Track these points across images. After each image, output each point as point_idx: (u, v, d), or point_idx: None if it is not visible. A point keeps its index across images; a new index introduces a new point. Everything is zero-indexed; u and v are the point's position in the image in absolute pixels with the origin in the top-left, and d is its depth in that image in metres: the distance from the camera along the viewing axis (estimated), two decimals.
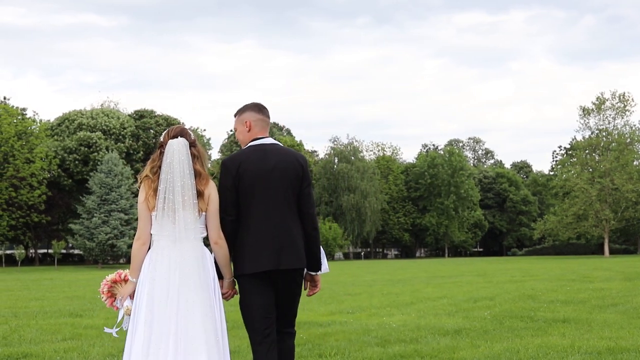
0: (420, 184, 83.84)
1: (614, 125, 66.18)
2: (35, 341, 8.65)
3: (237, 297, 4.56)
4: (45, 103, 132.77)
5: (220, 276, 4.37)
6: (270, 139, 4.54)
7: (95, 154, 56.19)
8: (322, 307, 12.65)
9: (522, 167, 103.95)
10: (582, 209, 64.55)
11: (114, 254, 51.51)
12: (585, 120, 67.10)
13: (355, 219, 76.86)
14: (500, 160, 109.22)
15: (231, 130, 74.11)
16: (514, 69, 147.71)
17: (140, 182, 4.30)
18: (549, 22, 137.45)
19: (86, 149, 56.91)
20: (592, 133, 66.96)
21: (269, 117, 4.61)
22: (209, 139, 73.01)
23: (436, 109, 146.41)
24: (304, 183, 4.46)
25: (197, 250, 4.22)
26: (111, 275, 4.38)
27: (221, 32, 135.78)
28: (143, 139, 60.73)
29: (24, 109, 56.31)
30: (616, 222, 65.13)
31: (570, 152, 71.63)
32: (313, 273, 4.62)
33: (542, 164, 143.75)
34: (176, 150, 4.22)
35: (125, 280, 4.32)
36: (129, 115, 63.29)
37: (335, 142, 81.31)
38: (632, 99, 66.02)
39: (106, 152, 55.00)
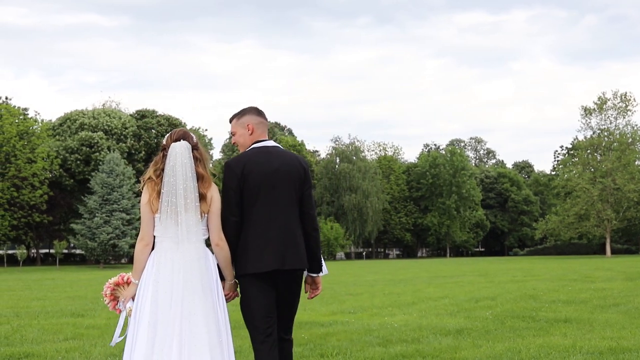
0: (421, 184, 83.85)
1: (615, 125, 66.15)
2: (37, 341, 8.66)
3: (238, 297, 4.57)
4: (46, 103, 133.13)
5: (221, 277, 4.38)
6: (272, 141, 4.58)
7: (97, 153, 56.22)
8: (324, 307, 12.65)
9: (524, 167, 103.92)
10: (583, 209, 64.51)
11: (116, 254, 51.54)
12: (586, 120, 67.12)
13: (356, 219, 76.88)
14: (502, 160, 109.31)
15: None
16: (516, 69, 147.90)
17: (144, 184, 4.32)
18: (550, 22, 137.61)
19: (88, 148, 56.95)
20: (593, 133, 66.94)
21: (267, 120, 4.67)
22: (211, 139, 73.05)
23: (438, 109, 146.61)
24: (306, 185, 4.53)
25: (200, 252, 4.23)
26: (114, 278, 4.38)
27: (222, 32, 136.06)
28: (144, 138, 60.76)
29: (25, 109, 56.36)
30: (618, 222, 65.10)
31: (571, 152, 71.65)
32: (314, 275, 4.65)
33: (543, 164, 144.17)
34: (178, 154, 4.24)
35: (128, 283, 4.33)
36: (130, 115, 63.32)
37: (337, 142, 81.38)
38: (634, 99, 66.04)
39: (108, 152, 55.01)
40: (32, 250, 63.74)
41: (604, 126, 66.41)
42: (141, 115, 62.93)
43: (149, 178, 4.30)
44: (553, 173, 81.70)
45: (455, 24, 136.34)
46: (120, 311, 4.33)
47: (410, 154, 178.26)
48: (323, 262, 4.70)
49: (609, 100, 66.11)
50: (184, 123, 63.31)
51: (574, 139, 71.25)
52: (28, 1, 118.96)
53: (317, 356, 7.24)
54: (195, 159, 4.29)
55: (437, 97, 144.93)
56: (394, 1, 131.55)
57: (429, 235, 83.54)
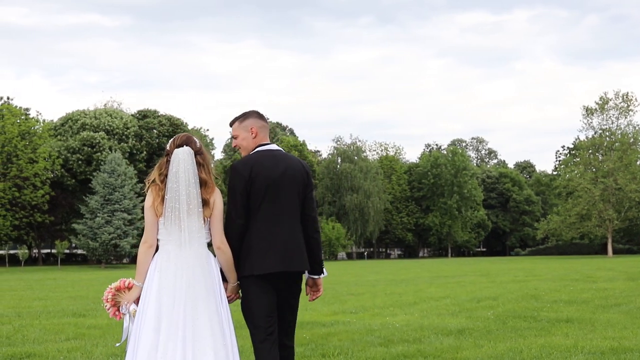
0: (423, 183, 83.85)
1: (617, 125, 66.13)
2: (38, 341, 8.67)
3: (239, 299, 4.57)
4: (48, 103, 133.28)
5: (224, 280, 4.39)
6: (275, 145, 4.63)
7: (99, 154, 56.24)
8: (325, 307, 12.66)
9: (525, 167, 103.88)
10: (585, 209, 64.49)
11: (117, 254, 51.56)
12: (588, 120, 67.08)
13: (358, 219, 76.89)
14: (504, 160, 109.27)
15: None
16: (517, 69, 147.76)
17: (148, 186, 4.32)
18: (552, 22, 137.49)
19: (89, 149, 56.97)
20: (595, 133, 66.91)
21: (268, 124, 4.72)
22: (212, 139, 73.17)
23: (439, 109, 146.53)
24: (308, 188, 4.59)
25: (202, 255, 4.25)
26: (115, 283, 4.37)
27: (224, 32, 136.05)
28: (146, 139, 60.77)
29: (27, 109, 56.38)
30: (619, 222, 65.08)
31: (573, 152, 71.61)
32: (315, 277, 4.68)
33: (545, 164, 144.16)
34: (182, 160, 4.25)
35: (129, 288, 4.32)
36: (132, 115, 63.32)
37: (339, 142, 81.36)
38: (636, 99, 65.99)
39: (109, 152, 55.02)
40: (34, 250, 63.78)
41: (605, 126, 66.39)
42: (143, 115, 62.94)
43: (153, 181, 4.31)
44: (555, 173, 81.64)
45: (457, 23, 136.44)
46: (120, 317, 4.32)
47: (411, 154, 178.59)
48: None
49: (610, 100, 66.09)
50: (186, 123, 63.29)
51: (576, 139, 71.22)
52: (29, 1, 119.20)
53: (319, 356, 7.24)
54: (199, 164, 4.30)
55: (439, 97, 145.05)
56: (396, 1, 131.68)
57: (430, 235, 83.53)
